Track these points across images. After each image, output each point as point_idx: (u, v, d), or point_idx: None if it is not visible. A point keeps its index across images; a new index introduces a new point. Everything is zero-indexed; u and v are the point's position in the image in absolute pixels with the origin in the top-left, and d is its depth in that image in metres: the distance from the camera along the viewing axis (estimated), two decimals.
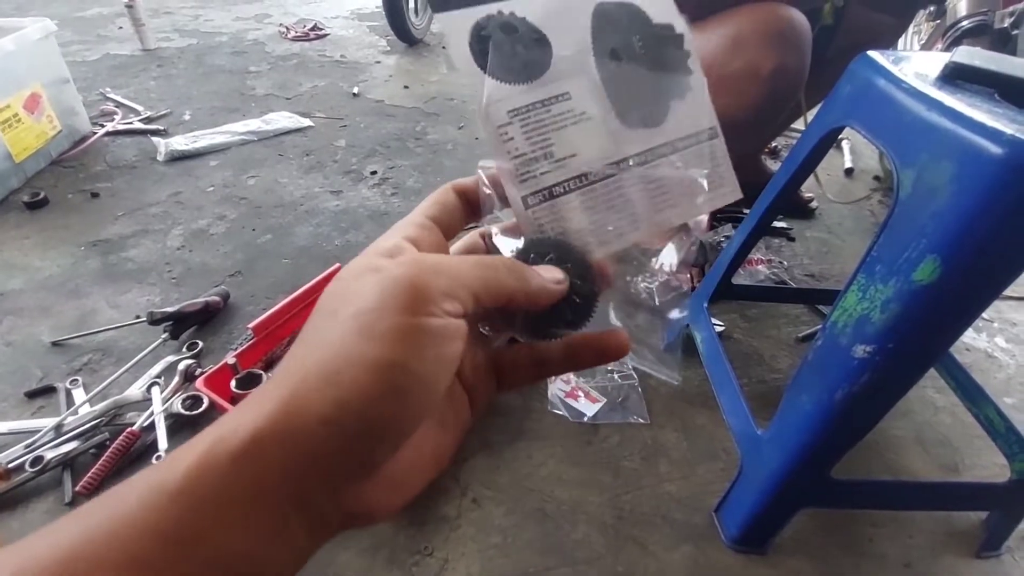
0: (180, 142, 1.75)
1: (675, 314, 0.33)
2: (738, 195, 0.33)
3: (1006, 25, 1.16)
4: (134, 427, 0.88)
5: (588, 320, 0.28)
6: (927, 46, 1.66)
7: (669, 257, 0.33)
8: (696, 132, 0.33)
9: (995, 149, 0.51)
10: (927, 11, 1.56)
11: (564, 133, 0.31)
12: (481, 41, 0.30)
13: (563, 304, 0.27)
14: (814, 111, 0.95)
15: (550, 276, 0.26)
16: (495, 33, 0.30)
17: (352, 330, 0.20)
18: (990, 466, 0.92)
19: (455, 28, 0.30)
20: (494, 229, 0.30)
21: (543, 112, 0.30)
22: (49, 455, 0.84)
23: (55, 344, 1.07)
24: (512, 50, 0.30)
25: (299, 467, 0.19)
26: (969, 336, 1.19)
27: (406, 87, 2.31)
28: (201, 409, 0.91)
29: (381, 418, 0.19)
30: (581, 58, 0.31)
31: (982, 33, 1.19)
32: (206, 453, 0.19)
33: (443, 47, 2.78)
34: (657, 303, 0.33)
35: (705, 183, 0.32)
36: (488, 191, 0.30)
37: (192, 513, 0.18)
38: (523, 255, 0.28)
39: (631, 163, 0.31)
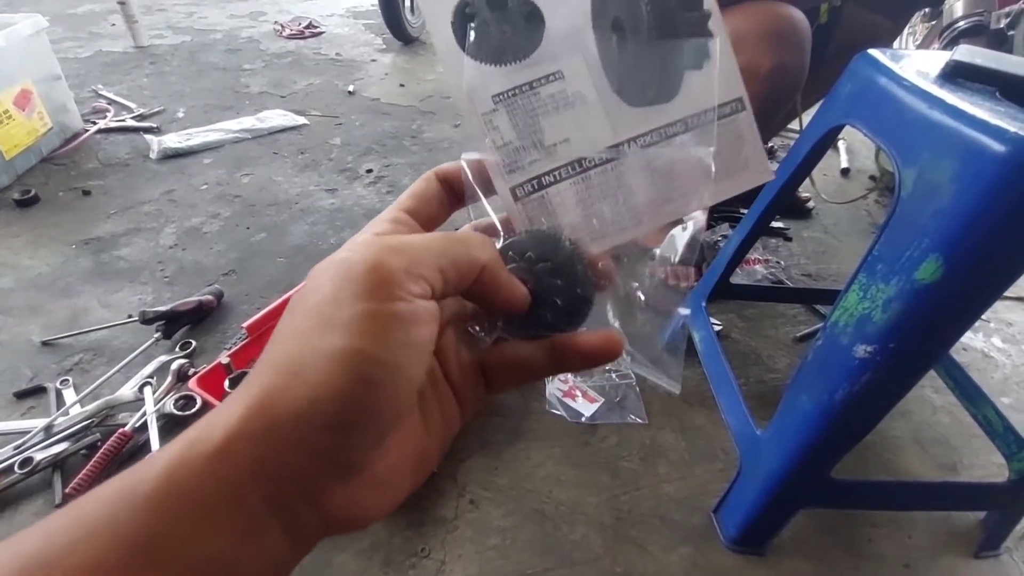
0: (173, 140, 1.73)
1: (676, 314, 0.30)
2: (768, 177, 0.29)
3: (1002, 26, 1.16)
4: (126, 428, 0.87)
5: (575, 323, 0.26)
6: (923, 47, 1.67)
7: (671, 248, 0.30)
8: (716, 106, 0.29)
9: (998, 147, 0.50)
10: (923, 12, 1.57)
11: (555, 118, 0.28)
12: (465, 19, 0.27)
13: (542, 307, 0.25)
14: (810, 112, 0.95)
15: (519, 290, 0.25)
16: (481, 10, 0.27)
17: (314, 323, 0.19)
18: (988, 466, 0.92)
19: (437, 7, 0.27)
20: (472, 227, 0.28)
21: (531, 96, 0.28)
22: (39, 456, 0.83)
23: (45, 344, 1.06)
24: (498, 28, 0.28)
25: (273, 466, 0.18)
26: (966, 336, 1.19)
27: (402, 85, 2.30)
28: (194, 409, 0.89)
29: (354, 411, 0.19)
30: (578, 32, 0.28)
31: (978, 34, 1.20)
32: (180, 455, 0.18)
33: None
34: (656, 303, 0.30)
35: (712, 164, 0.28)
36: (472, 182, 0.27)
37: (163, 517, 0.17)
38: (501, 255, 0.26)
39: (633, 146, 0.28)
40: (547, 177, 0.28)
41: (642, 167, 0.28)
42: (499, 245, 0.26)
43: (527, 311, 0.25)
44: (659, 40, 0.28)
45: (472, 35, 0.27)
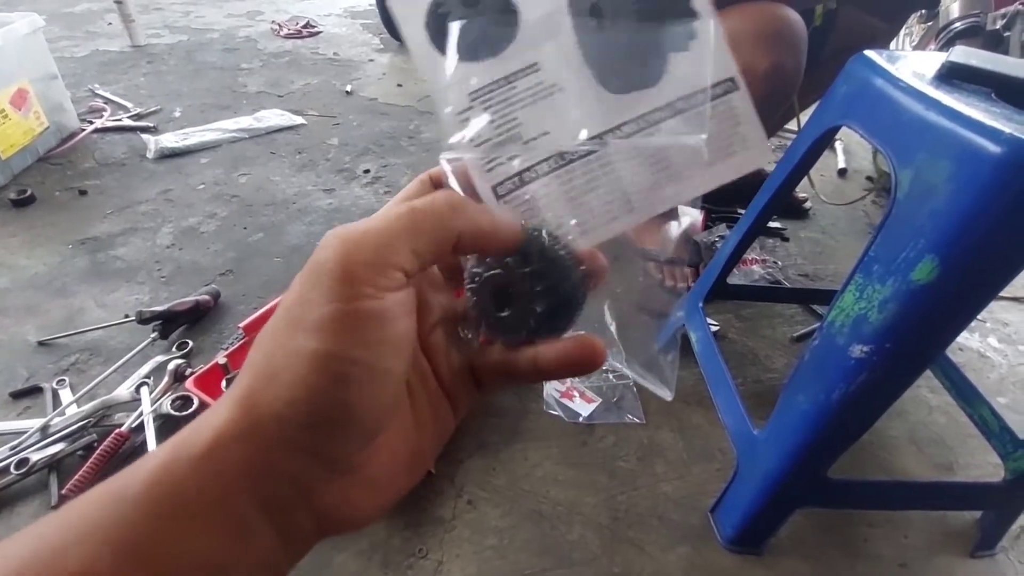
0: (170, 139, 1.72)
1: (672, 317, 0.30)
2: (769, 157, 0.28)
3: (998, 27, 1.17)
4: (122, 428, 0.87)
5: (559, 328, 0.25)
6: (919, 48, 1.67)
7: (667, 236, 0.30)
8: (705, 87, 0.27)
9: (993, 148, 0.51)
10: (919, 13, 1.57)
11: (533, 110, 0.27)
12: (438, 20, 0.27)
13: (522, 313, 0.24)
14: (807, 112, 0.95)
15: (504, 218, 0.24)
16: (455, 8, 0.27)
17: (286, 325, 0.20)
18: (984, 465, 0.93)
19: (410, 10, 0.27)
20: None
21: (508, 90, 0.27)
22: (35, 457, 0.82)
23: (41, 344, 1.05)
24: (473, 24, 0.27)
25: (262, 466, 0.18)
26: (962, 336, 1.20)
27: (399, 85, 2.30)
28: (191, 410, 0.89)
29: (334, 410, 0.19)
30: (555, 19, 0.27)
31: (974, 35, 1.20)
32: (169, 458, 0.18)
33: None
34: (651, 304, 0.30)
35: (704, 149, 0.27)
36: (456, 184, 0.26)
37: (152, 519, 0.17)
38: (479, 262, 0.25)
39: (617, 135, 0.27)
40: (528, 173, 0.27)
41: (629, 155, 0.27)
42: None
43: (509, 318, 0.24)
44: (639, 22, 0.27)
45: (447, 34, 0.27)
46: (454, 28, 0.27)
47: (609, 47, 0.27)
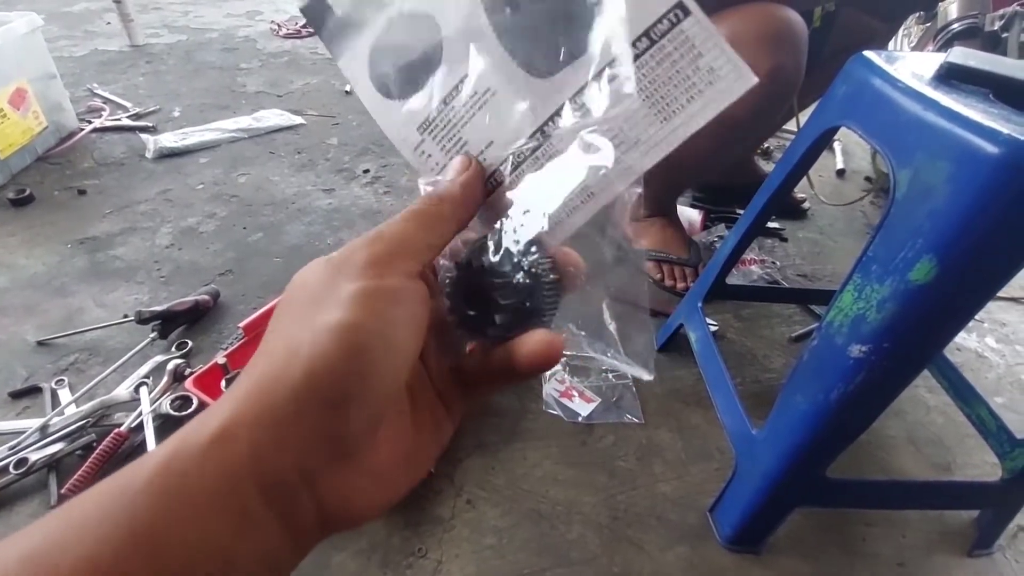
0: (169, 139, 1.72)
1: (644, 309, 0.30)
2: (749, 79, 0.23)
3: (996, 28, 1.17)
4: (122, 428, 0.87)
5: (531, 324, 0.25)
6: (917, 48, 1.67)
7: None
8: (641, 31, 0.23)
9: (992, 148, 0.51)
10: (918, 14, 1.58)
11: (473, 125, 0.27)
12: (379, 64, 0.28)
13: (489, 310, 0.25)
14: (806, 112, 0.95)
15: (450, 174, 0.26)
16: (389, 46, 0.27)
17: (309, 308, 0.21)
18: (982, 465, 0.93)
19: (356, 66, 0.28)
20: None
21: (448, 112, 0.27)
22: (34, 457, 0.82)
23: (40, 343, 1.05)
24: (405, 57, 0.27)
25: (271, 450, 0.19)
26: (959, 336, 1.20)
27: None
28: (191, 410, 0.89)
29: (350, 383, 0.19)
30: (472, 24, 0.26)
31: (972, 36, 1.20)
32: (173, 450, 0.18)
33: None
34: (629, 298, 0.29)
35: (642, 109, 0.24)
36: None
37: (156, 511, 0.17)
38: (447, 285, 0.26)
39: (559, 121, 0.26)
40: (486, 184, 0.28)
41: (574, 139, 0.26)
42: (449, 262, 0.27)
43: (477, 317, 0.26)
44: None
45: (388, 77, 0.28)
46: (388, 73, 0.28)
47: (527, 29, 0.25)
